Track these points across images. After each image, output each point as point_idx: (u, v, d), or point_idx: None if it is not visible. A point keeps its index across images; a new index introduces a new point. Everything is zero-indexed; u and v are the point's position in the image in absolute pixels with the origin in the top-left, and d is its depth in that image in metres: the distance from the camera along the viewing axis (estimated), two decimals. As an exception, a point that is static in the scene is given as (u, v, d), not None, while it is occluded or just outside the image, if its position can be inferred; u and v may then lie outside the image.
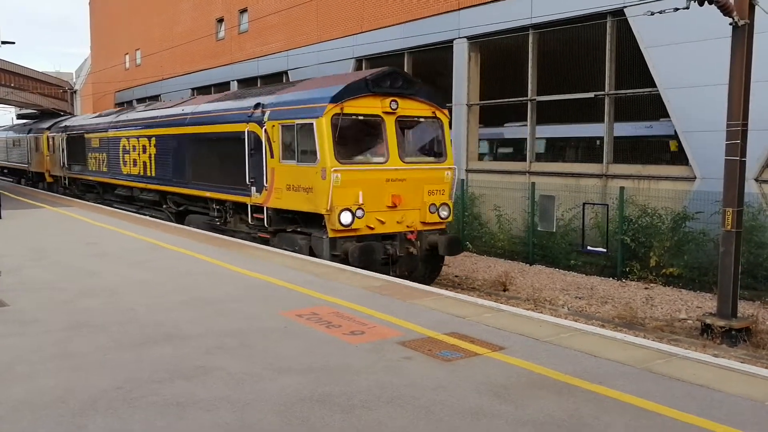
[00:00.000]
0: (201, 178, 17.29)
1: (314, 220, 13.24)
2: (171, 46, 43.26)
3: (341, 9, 28.59)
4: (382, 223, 13.10)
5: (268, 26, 33.43)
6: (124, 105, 46.90)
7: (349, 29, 27.96)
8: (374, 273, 11.26)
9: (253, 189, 14.68)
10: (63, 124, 31.08)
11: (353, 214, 12.65)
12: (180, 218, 19.40)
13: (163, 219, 19.68)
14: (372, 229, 13.00)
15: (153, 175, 20.18)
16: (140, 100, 46.09)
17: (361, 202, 12.73)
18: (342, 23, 28.50)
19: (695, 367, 6.22)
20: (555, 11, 19.02)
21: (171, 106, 20.60)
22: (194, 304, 8.93)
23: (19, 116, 71.98)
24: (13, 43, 35.13)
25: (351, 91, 12.89)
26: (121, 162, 22.85)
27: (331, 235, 12.75)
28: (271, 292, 9.67)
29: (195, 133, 17.61)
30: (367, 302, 8.90)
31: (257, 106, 14.66)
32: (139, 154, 21.25)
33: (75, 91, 67.42)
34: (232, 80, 36.87)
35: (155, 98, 42.52)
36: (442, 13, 23.44)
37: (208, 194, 16.93)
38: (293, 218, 14.06)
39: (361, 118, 13.09)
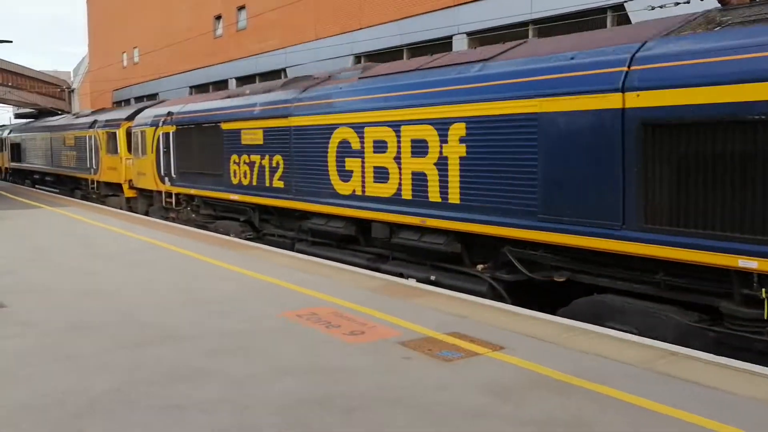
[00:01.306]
0: None
1: None
2: (169, 44, 43.19)
3: (339, 5, 28.54)
4: None
5: (266, 23, 33.37)
6: (127, 102, 46.65)
7: (348, 26, 27.92)
8: (374, 273, 11.13)
9: None
10: (163, 110, 19.47)
11: None
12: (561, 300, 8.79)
13: (472, 290, 9.77)
14: None
15: (475, 201, 9.51)
16: (138, 99, 46.03)
17: None
18: (340, 20, 28.45)
19: (700, 367, 6.16)
20: (555, 6, 18.98)
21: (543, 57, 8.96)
22: (193, 305, 8.88)
23: (17, 115, 71.87)
24: (11, 41, 35.08)
25: None
26: (334, 171, 12.00)
27: None
28: (270, 292, 9.62)
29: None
30: (367, 302, 8.85)
31: None
32: (400, 158, 10.67)
33: (72, 90, 67.33)
34: (231, 78, 36.82)
35: (153, 96, 42.42)
36: (440, 9, 23.39)
37: None
38: None
39: None
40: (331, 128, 12.08)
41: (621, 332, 7.42)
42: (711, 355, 6.53)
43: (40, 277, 10.85)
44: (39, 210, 22.02)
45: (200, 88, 38.73)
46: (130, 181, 22.09)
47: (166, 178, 18.89)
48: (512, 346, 6.88)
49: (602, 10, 18.25)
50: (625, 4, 17.59)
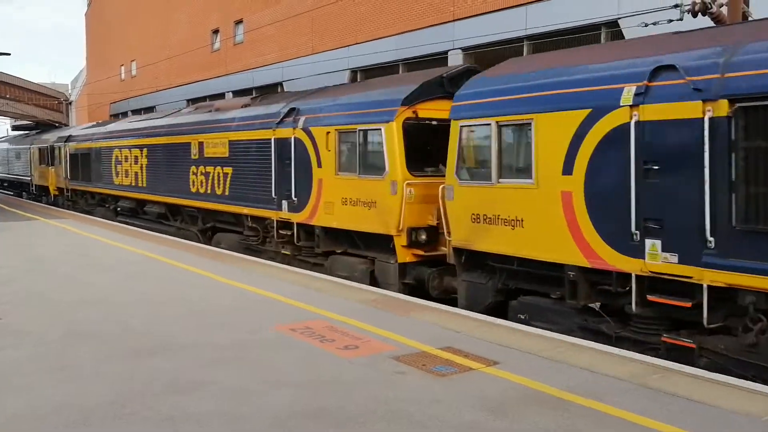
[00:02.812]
0: None
1: None
2: (166, 57, 43.33)
3: (336, 20, 28.68)
4: None
5: (263, 38, 33.51)
6: (119, 116, 46.71)
7: (344, 40, 28.05)
8: (369, 287, 11.15)
9: None
10: (656, 57, 7.84)
11: None
12: None
13: None
14: None
15: None
16: (135, 112, 46.15)
17: None
18: (337, 35, 28.59)
19: (691, 382, 6.19)
20: (549, 22, 19.08)
21: None
22: (188, 317, 8.88)
23: (14, 127, 71.90)
24: (9, 54, 35.15)
25: None
26: None
27: None
28: (265, 305, 9.62)
29: None
30: (362, 316, 8.86)
31: None
32: None
33: (70, 102, 67.42)
34: (228, 91, 36.91)
35: (151, 110, 42.50)
36: (436, 25, 23.51)
37: None
38: None
39: None
40: None
41: (613, 348, 7.46)
42: (702, 371, 6.56)
43: (36, 288, 10.84)
44: (35, 222, 21.98)
45: (197, 102, 38.74)
46: (415, 231, 11.14)
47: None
48: (506, 361, 6.90)
49: (596, 27, 18.37)
50: (618, 21, 17.72)
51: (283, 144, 13.78)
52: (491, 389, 6.07)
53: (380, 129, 11.43)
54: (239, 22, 36.52)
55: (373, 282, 11.71)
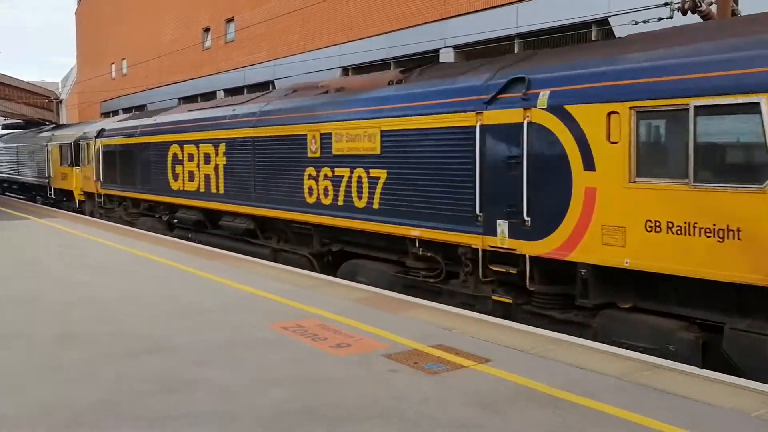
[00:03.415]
0: None
1: None
2: (157, 55, 43.22)
3: (328, 18, 28.69)
4: None
5: (254, 36, 33.50)
6: (110, 114, 46.60)
7: (336, 38, 28.07)
8: (360, 285, 11.16)
9: None
10: None
11: None
12: None
13: None
14: None
15: None
16: (126, 110, 46.04)
17: None
18: (328, 33, 28.60)
19: (681, 379, 6.23)
20: (540, 20, 19.14)
21: None
22: (181, 316, 8.88)
23: (4, 126, 71.54)
24: (-2, 52, 34.92)
25: None
26: None
27: None
28: (256, 304, 9.63)
29: None
30: (354, 314, 8.88)
31: None
32: None
33: (60, 101, 67.16)
34: (219, 90, 36.86)
35: (141, 108, 42.38)
36: (428, 23, 23.56)
37: None
38: None
39: None
40: None
41: (604, 345, 7.50)
42: (692, 367, 6.61)
43: (27, 288, 10.80)
44: (27, 221, 21.88)
45: (188, 100, 38.69)
46: None
47: None
48: (498, 358, 6.93)
49: (587, 25, 18.43)
50: (609, 19, 17.78)
51: (499, 133, 9.14)
52: (483, 387, 6.10)
53: (758, 102, 6.60)
54: (230, 20, 36.48)
55: (712, 364, 7.02)
